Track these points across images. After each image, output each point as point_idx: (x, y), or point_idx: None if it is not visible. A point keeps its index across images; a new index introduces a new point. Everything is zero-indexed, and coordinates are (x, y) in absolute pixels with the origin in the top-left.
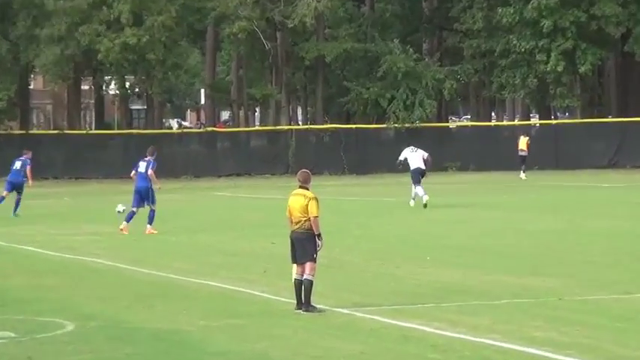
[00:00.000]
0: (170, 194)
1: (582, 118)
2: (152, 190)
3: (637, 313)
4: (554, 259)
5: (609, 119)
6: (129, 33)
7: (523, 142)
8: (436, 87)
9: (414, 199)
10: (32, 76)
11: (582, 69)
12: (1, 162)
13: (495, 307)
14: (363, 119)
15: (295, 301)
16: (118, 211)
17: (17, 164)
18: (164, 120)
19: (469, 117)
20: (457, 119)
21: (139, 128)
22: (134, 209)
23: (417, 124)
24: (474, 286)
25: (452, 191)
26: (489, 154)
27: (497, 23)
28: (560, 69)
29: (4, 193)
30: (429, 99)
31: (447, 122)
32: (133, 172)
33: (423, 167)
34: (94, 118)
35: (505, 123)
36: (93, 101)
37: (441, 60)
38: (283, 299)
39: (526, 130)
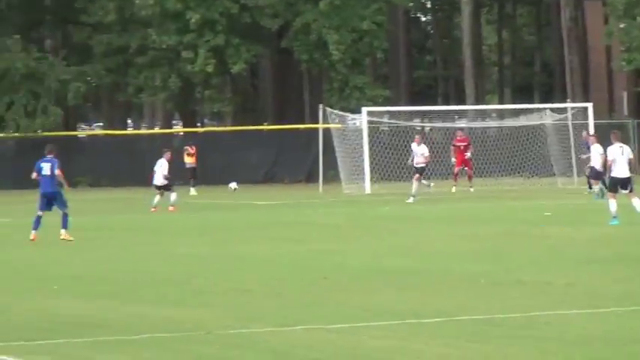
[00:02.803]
0: None
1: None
2: (61, 192)
3: (293, 347)
4: (201, 288)
5: (265, 127)
6: None
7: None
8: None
9: None
10: None
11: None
12: None
13: (133, 343)
14: None
15: None
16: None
17: None
18: None
19: (101, 124)
20: (87, 127)
21: None
22: (40, 213)
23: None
24: (110, 319)
25: (83, 210)
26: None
27: (132, 15)
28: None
29: None
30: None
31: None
32: (35, 174)
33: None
34: None
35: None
36: None
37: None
38: None
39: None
